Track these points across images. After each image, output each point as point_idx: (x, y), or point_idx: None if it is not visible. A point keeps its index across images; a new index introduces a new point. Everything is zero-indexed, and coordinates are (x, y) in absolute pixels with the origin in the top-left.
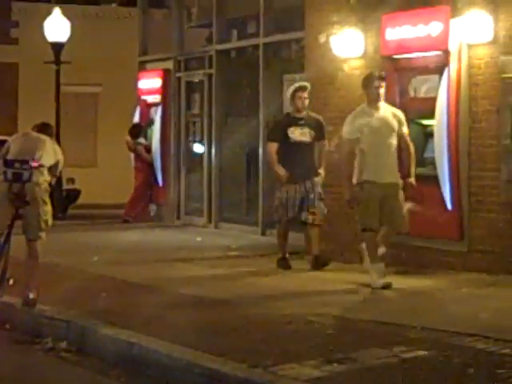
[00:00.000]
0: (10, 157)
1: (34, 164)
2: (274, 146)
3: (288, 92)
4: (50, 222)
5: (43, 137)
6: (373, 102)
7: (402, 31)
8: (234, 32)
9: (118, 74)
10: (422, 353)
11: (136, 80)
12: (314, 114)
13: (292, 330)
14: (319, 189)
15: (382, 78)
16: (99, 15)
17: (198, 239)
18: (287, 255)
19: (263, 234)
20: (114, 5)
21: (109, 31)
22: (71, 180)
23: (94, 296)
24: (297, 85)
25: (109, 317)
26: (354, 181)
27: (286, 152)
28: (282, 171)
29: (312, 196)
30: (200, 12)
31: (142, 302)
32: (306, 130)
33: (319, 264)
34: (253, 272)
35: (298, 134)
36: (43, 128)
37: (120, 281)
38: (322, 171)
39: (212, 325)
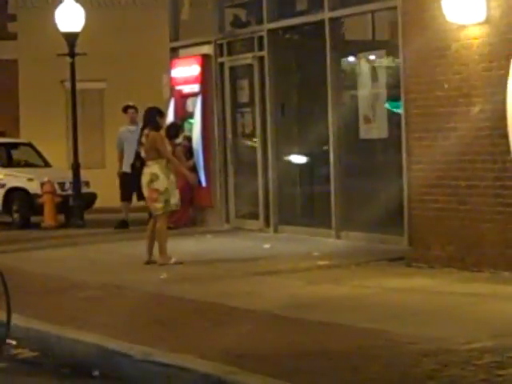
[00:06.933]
0: None
1: None
2: None
3: None
4: None
5: None
6: None
7: None
8: (289, 7)
9: (124, 68)
10: None
11: (143, 73)
12: None
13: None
14: None
15: None
16: (106, 3)
17: (266, 246)
18: None
19: (338, 237)
20: None
21: (114, 21)
22: (85, 183)
23: (201, 329)
24: None
25: (245, 362)
26: None
27: None
28: None
29: None
30: None
31: (267, 337)
32: None
33: None
34: (369, 287)
35: None
36: None
37: (218, 305)
38: None
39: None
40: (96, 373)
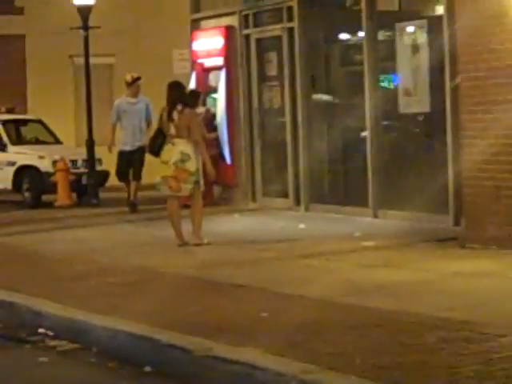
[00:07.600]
0: None
1: None
2: None
3: None
4: None
5: None
6: None
7: None
8: None
9: (133, 42)
10: None
11: (153, 48)
12: None
13: None
14: None
15: None
16: None
17: (302, 226)
18: None
19: (375, 216)
20: None
21: None
22: (98, 160)
23: (259, 320)
24: None
25: (319, 358)
26: None
27: None
28: None
29: None
30: None
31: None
32: None
33: None
34: (428, 271)
35: None
36: None
37: (270, 292)
38: None
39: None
40: (148, 368)
